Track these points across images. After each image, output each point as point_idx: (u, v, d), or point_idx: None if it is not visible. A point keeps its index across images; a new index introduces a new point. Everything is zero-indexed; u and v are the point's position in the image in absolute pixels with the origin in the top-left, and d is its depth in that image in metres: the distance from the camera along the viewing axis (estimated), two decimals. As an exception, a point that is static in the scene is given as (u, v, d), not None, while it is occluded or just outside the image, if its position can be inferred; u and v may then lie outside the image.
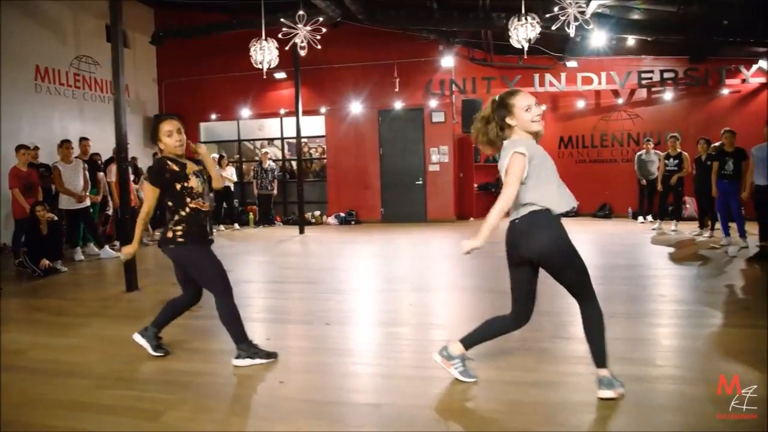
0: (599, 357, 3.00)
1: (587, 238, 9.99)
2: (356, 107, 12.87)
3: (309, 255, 9.14)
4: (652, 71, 12.17)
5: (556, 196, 3.02)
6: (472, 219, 13.09)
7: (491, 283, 6.01)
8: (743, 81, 11.82)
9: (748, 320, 4.52)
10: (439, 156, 12.90)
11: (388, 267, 7.82)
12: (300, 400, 3.20)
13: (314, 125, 13.30)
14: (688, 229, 10.04)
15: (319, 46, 8.82)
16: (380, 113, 12.95)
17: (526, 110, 3.00)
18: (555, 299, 4.57)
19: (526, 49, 8.37)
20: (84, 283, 6.97)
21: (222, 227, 12.07)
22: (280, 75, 12.67)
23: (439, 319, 5.01)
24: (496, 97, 3.11)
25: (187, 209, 3.67)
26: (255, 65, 9.02)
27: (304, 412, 3.04)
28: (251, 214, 13.10)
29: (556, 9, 8.05)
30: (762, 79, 11.74)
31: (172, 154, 3.73)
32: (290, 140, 13.72)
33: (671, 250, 8.33)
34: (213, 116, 13.60)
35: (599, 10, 9.23)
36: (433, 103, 12.77)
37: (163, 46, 13.06)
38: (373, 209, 13.15)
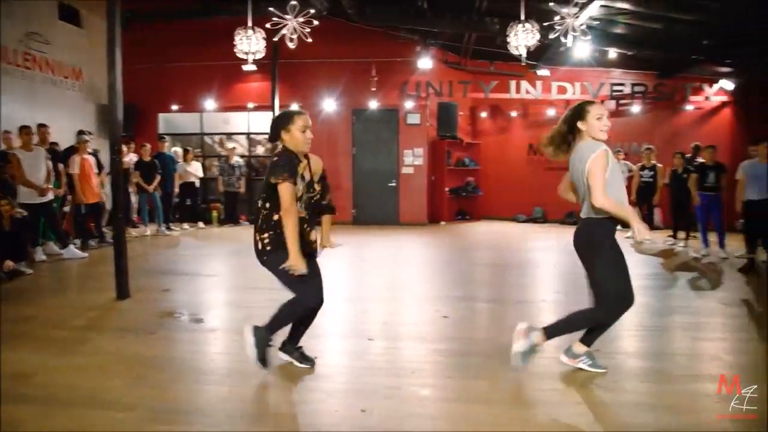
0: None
1: (570, 246, 10.05)
2: (330, 105, 12.45)
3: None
4: (623, 84, 12.48)
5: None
6: (443, 223, 12.97)
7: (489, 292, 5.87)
8: (706, 98, 12.31)
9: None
10: (413, 158, 12.69)
11: (379, 272, 7.53)
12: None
13: (284, 121, 12.76)
14: (660, 239, 10.30)
15: (309, 39, 8.37)
16: (354, 112, 12.60)
17: (598, 119, 3.33)
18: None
19: (524, 55, 8.27)
20: (61, 289, 6.30)
21: (186, 225, 11.36)
22: (249, 67, 12.03)
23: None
24: (577, 103, 3.48)
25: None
26: (240, 56, 8.46)
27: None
28: (215, 212, 12.41)
29: (556, 18, 8.00)
30: (723, 98, 12.25)
31: (297, 150, 3.38)
32: (257, 136, 13.16)
33: (658, 259, 8.47)
34: (174, 107, 12.79)
35: (586, 22, 9.30)
36: (408, 104, 12.54)
37: (126, 29, 12.10)
38: (344, 211, 12.74)
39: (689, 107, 12.53)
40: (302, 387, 3.42)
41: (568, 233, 12.50)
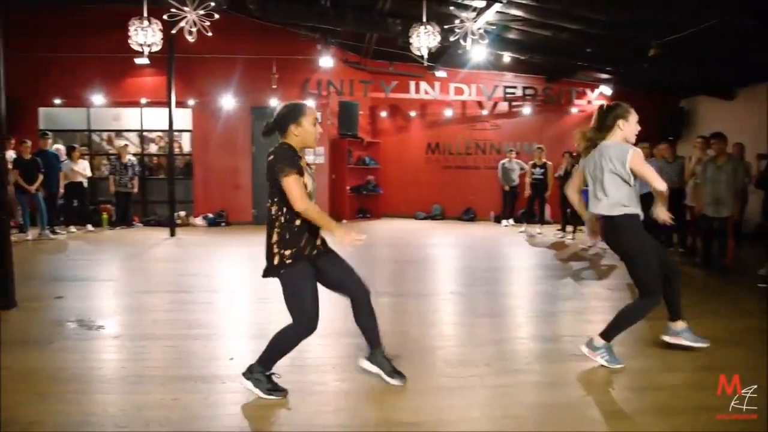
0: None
1: (469, 241, 10.51)
2: (228, 102, 12.10)
3: (196, 260, 8.32)
4: (515, 87, 13.18)
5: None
6: (344, 221, 13.02)
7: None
8: (588, 102, 13.29)
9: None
10: (315, 157, 12.61)
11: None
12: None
13: (179, 118, 12.22)
14: (550, 232, 11.04)
15: (209, 33, 8.10)
16: (254, 110, 12.33)
17: (636, 123, 3.69)
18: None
19: (426, 56, 8.51)
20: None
21: (72, 228, 10.59)
22: (142, 60, 11.42)
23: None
24: (620, 103, 3.75)
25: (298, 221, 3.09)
26: (135, 47, 8.03)
27: None
28: (105, 214, 11.66)
29: (456, 21, 8.32)
30: (603, 102, 13.26)
31: (304, 145, 3.19)
32: (151, 133, 12.54)
33: (554, 251, 9.08)
34: (57, 101, 11.85)
35: (483, 27, 9.74)
36: (309, 103, 12.43)
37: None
38: (244, 210, 12.48)
39: (574, 110, 13.49)
40: (224, 389, 3.35)
41: (465, 230, 13.12)
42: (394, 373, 3.38)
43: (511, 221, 12.49)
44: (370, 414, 3.10)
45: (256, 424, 2.95)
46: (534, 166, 11.27)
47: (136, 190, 11.48)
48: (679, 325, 3.95)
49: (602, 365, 3.66)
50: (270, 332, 3.26)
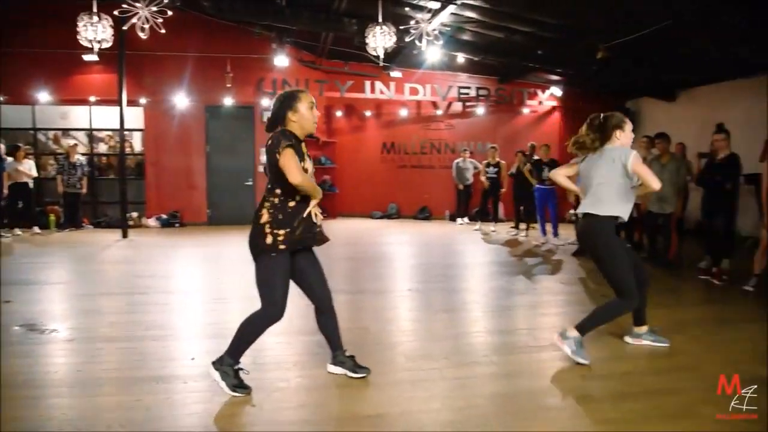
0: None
1: (425, 239, 10.66)
2: (181, 100, 11.88)
3: (150, 261, 8.16)
4: (469, 87, 13.40)
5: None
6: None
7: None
8: (540, 103, 13.66)
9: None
10: (270, 156, 12.53)
11: (244, 271, 7.41)
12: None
13: (131, 117, 11.93)
14: (504, 230, 11.29)
15: (162, 30, 7.97)
16: (208, 109, 12.16)
17: (631, 131, 3.92)
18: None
19: (382, 56, 8.58)
20: None
21: (18, 231, 10.21)
22: (91, 57, 11.10)
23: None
24: (616, 113, 3.95)
25: (298, 198, 3.13)
26: (84, 43, 7.81)
27: None
28: (52, 215, 11.27)
29: (412, 22, 8.43)
30: (553, 103, 13.69)
31: (304, 131, 3.17)
32: (100, 132, 12.20)
33: (508, 248, 9.30)
34: (-1, 98, 11.40)
35: (438, 28, 9.88)
36: (265, 102, 12.37)
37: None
38: (199, 211, 12.29)
39: (526, 110, 13.82)
40: (186, 389, 3.34)
41: (421, 228, 13.28)
42: (357, 367, 3.47)
43: (465, 219, 12.72)
44: (333, 408, 3.15)
45: (222, 422, 2.96)
46: (488, 165, 11.51)
47: (85, 190, 11.15)
48: (643, 329, 4.18)
49: (569, 356, 3.76)
50: (228, 331, 3.27)
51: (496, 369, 3.75)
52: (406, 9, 9.16)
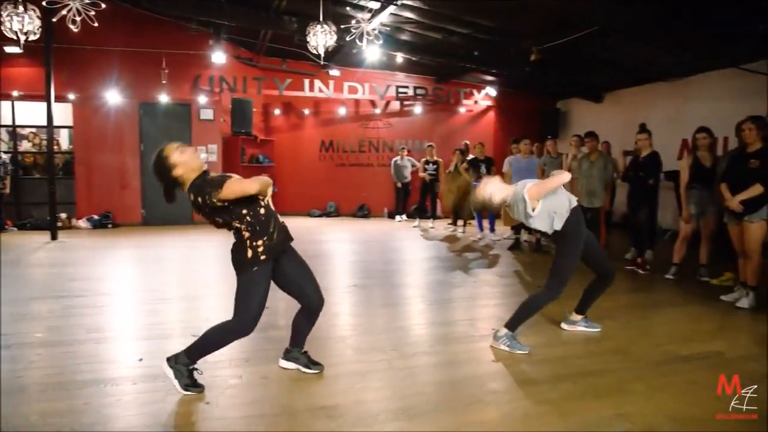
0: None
1: (365, 236, 10.77)
2: (113, 97, 11.48)
3: (84, 263, 7.88)
4: (407, 86, 13.62)
5: None
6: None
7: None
8: (475, 102, 14.04)
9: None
10: (207, 155, 12.31)
11: (185, 271, 7.31)
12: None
13: (59, 113, 11.42)
14: (442, 226, 11.57)
15: (95, 24, 7.70)
16: (142, 106, 11.80)
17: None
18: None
19: (323, 55, 8.62)
20: None
21: (-65, 234, 9.62)
22: (13, 49, 10.56)
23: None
24: None
25: (262, 202, 3.12)
26: (8, 35, 7.43)
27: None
28: (-28, 217, 10.66)
29: (352, 21, 8.51)
30: (488, 102, 14.11)
31: (194, 170, 3.17)
32: (24, 129, 11.63)
33: (447, 244, 9.55)
34: None
35: (378, 28, 10.03)
36: (201, 99, 12.14)
37: None
38: (133, 211, 11.92)
39: (462, 109, 14.18)
40: (136, 389, 3.31)
41: (360, 226, 13.35)
42: (312, 363, 3.57)
43: (404, 217, 12.94)
44: (289, 401, 3.21)
45: (176, 419, 2.97)
46: (426, 162, 11.77)
47: (8, 190, 10.61)
48: (580, 316, 4.49)
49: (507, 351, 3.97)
50: (169, 331, 3.28)
51: (441, 358, 3.92)
52: (347, 8, 9.24)
